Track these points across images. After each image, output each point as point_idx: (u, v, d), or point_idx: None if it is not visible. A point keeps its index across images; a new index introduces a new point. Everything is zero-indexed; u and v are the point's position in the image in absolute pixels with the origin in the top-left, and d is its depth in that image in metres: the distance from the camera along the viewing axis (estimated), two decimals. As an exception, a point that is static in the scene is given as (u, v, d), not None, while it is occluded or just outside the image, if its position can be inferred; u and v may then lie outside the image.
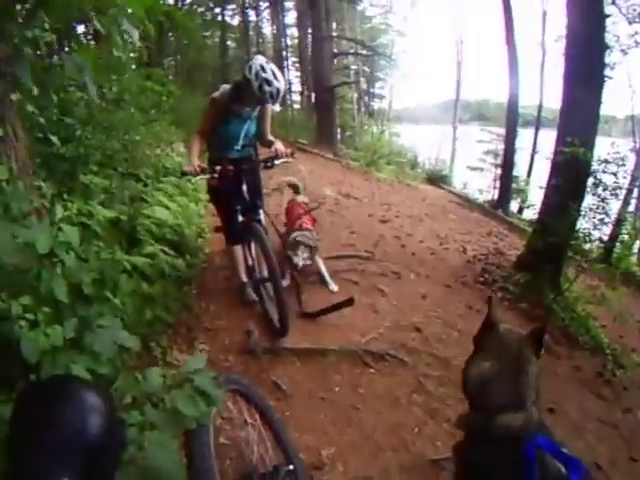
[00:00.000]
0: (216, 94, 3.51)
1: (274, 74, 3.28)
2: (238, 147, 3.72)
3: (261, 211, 3.83)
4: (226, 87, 3.54)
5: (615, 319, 5.40)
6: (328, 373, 3.32)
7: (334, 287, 4.40)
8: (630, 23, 11.12)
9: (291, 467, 1.94)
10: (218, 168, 3.44)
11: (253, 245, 3.69)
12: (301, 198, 5.16)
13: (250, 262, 3.79)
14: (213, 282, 4.30)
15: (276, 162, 3.67)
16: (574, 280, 5.60)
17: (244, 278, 3.96)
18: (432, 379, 3.45)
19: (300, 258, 4.24)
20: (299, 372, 3.27)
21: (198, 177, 3.39)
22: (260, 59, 3.36)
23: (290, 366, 3.31)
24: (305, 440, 2.68)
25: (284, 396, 3.00)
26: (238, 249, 3.91)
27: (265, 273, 3.65)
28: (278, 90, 3.31)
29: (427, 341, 3.93)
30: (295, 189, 5.43)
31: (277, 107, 18.68)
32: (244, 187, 3.64)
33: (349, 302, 3.76)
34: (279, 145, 3.68)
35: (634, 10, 10.96)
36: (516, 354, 1.70)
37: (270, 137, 3.85)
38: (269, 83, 3.24)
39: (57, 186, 3.54)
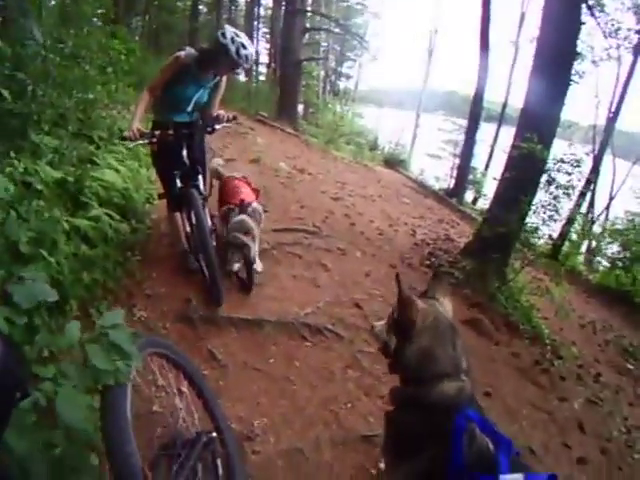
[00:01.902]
0: (181, 53, 3.44)
1: (247, 40, 3.34)
2: (186, 112, 3.66)
3: (200, 177, 3.77)
4: (192, 50, 3.49)
5: (557, 313, 5.61)
6: (264, 344, 3.35)
7: (259, 267, 4.16)
8: (606, 37, 11.45)
9: (214, 434, 1.95)
10: (157, 133, 3.40)
11: (192, 212, 3.59)
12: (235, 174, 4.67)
13: (188, 229, 3.77)
14: (157, 248, 4.26)
15: (217, 126, 3.65)
16: (520, 271, 5.77)
17: (185, 246, 3.95)
18: (368, 356, 3.50)
19: (234, 264, 3.69)
20: (235, 342, 3.29)
21: (137, 142, 3.33)
22: (231, 28, 3.38)
23: (227, 336, 3.33)
24: (237, 410, 2.71)
25: (219, 365, 3.02)
26: (177, 216, 3.88)
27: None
28: (251, 54, 3.36)
29: (366, 318, 3.96)
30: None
31: (242, 77, 18.39)
32: (184, 152, 3.59)
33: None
34: (221, 111, 3.69)
35: (612, 25, 11.30)
36: (447, 326, 1.77)
37: (214, 113, 3.80)
38: (244, 47, 3.26)
39: (6, 143, 3.46)
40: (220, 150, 4.35)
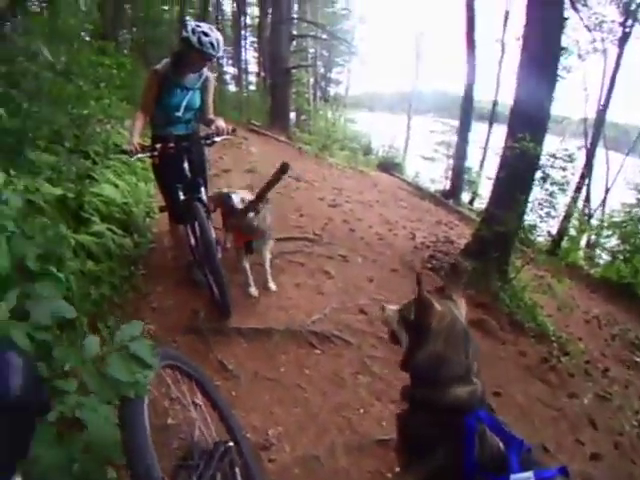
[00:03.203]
0: (157, 66, 3.48)
1: (210, 28, 3.33)
2: (181, 121, 3.68)
3: (203, 189, 3.78)
4: (166, 59, 3.53)
5: (560, 309, 5.60)
6: (274, 353, 3.34)
7: (272, 286, 4.12)
8: (589, 30, 11.54)
9: (231, 444, 1.92)
10: (158, 146, 3.40)
11: (196, 225, 3.58)
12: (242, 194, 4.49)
13: (193, 242, 3.73)
14: (161, 262, 4.26)
15: (216, 139, 3.64)
16: (521, 269, 5.75)
17: (190, 258, 3.93)
18: (377, 360, 3.50)
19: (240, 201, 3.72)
20: (245, 352, 3.28)
21: (138, 156, 3.34)
22: (193, 22, 3.40)
23: (236, 346, 3.32)
24: (252, 420, 2.71)
25: (231, 376, 3.01)
26: (181, 228, 3.87)
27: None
28: (217, 40, 3.32)
29: (372, 323, 3.95)
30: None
31: (232, 87, 18.43)
32: (185, 165, 3.59)
33: (284, 167, 3.54)
34: (220, 122, 3.65)
35: (596, 19, 11.38)
36: (461, 330, 1.77)
37: (212, 115, 3.82)
38: (206, 34, 3.26)
39: (3, 162, 3.45)
40: (215, 161, 4.34)
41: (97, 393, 1.49)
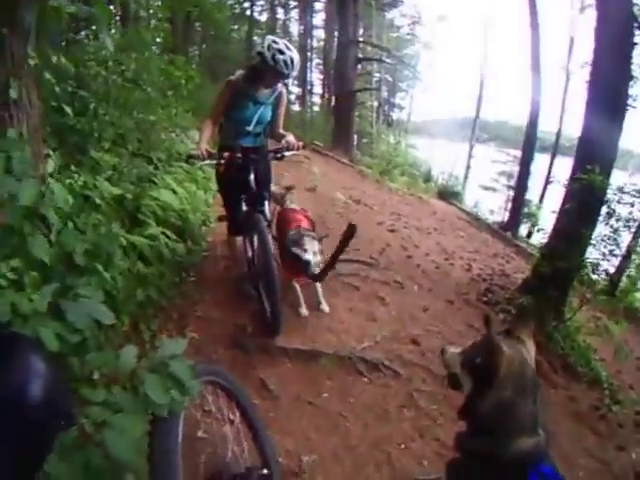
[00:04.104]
0: (232, 77, 3.47)
1: (286, 46, 3.28)
2: (250, 134, 3.63)
3: (266, 203, 3.74)
4: (241, 71, 3.52)
5: (615, 353, 5.25)
6: (319, 377, 3.22)
7: (325, 307, 3.96)
8: None
9: (265, 471, 1.86)
10: (226, 154, 3.38)
11: (255, 237, 3.52)
12: (293, 206, 4.50)
13: (250, 254, 3.66)
14: (212, 271, 4.23)
15: (286, 153, 3.55)
16: (579, 309, 5.45)
17: (243, 270, 3.86)
18: (425, 395, 3.34)
19: (310, 252, 3.57)
20: (289, 373, 3.19)
21: (204, 162, 3.30)
22: (271, 37, 3.35)
23: (280, 366, 3.22)
24: (286, 444, 2.61)
25: (270, 396, 2.92)
26: (239, 240, 3.83)
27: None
28: (292, 58, 3.26)
29: (423, 355, 3.81)
30: (279, 201, 4.53)
31: (296, 107, 18.71)
32: (251, 177, 3.53)
33: (351, 229, 3.21)
34: (290, 137, 3.57)
35: None
36: (530, 375, 1.63)
37: (282, 131, 3.76)
38: (281, 52, 3.21)
39: (67, 158, 3.51)
40: (277, 178, 4.32)
41: (127, 410, 1.39)
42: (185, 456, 1.55)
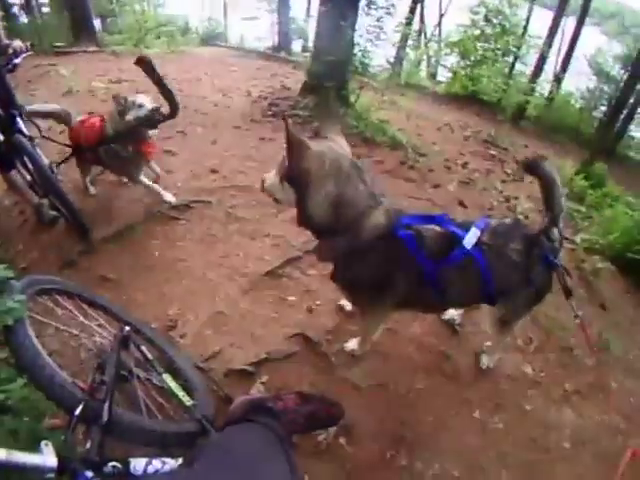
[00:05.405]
0: None
1: None
2: None
3: (18, 119, 3.15)
4: None
5: (408, 118, 6.03)
6: (143, 242, 3.30)
7: (171, 198, 3.63)
8: None
9: (127, 328, 1.93)
10: None
11: (26, 159, 3.15)
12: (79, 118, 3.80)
13: (29, 178, 3.35)
14: (9, 223, 3.75)
15: (16, 60, 3.13)
16: (360, 91, 5.92)
17: (35, 200, 3.50)
18: (240, 207, 3.63)
19: (147, 103, 3.20)
20: (117, 255, 3.18)
21: None
22: None
23: (106, 254, 3.19)
24: (149, 311, 2.69)
25: (114, 285, 2.91)
26: (14, 174, 3.39)
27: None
28: None
29: (226, 178, 4.05)
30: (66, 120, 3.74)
31: (24, 18, 16.19)
32: None
33: (142, 60, 3.00)
34: (16, 42, 3.17)
35: None
36: (349, 164, 1.69)
37: (6, 41, 3.27)
38: None
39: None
40: (27, 99, 3.79)
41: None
42: (65, 365, 1.64)
